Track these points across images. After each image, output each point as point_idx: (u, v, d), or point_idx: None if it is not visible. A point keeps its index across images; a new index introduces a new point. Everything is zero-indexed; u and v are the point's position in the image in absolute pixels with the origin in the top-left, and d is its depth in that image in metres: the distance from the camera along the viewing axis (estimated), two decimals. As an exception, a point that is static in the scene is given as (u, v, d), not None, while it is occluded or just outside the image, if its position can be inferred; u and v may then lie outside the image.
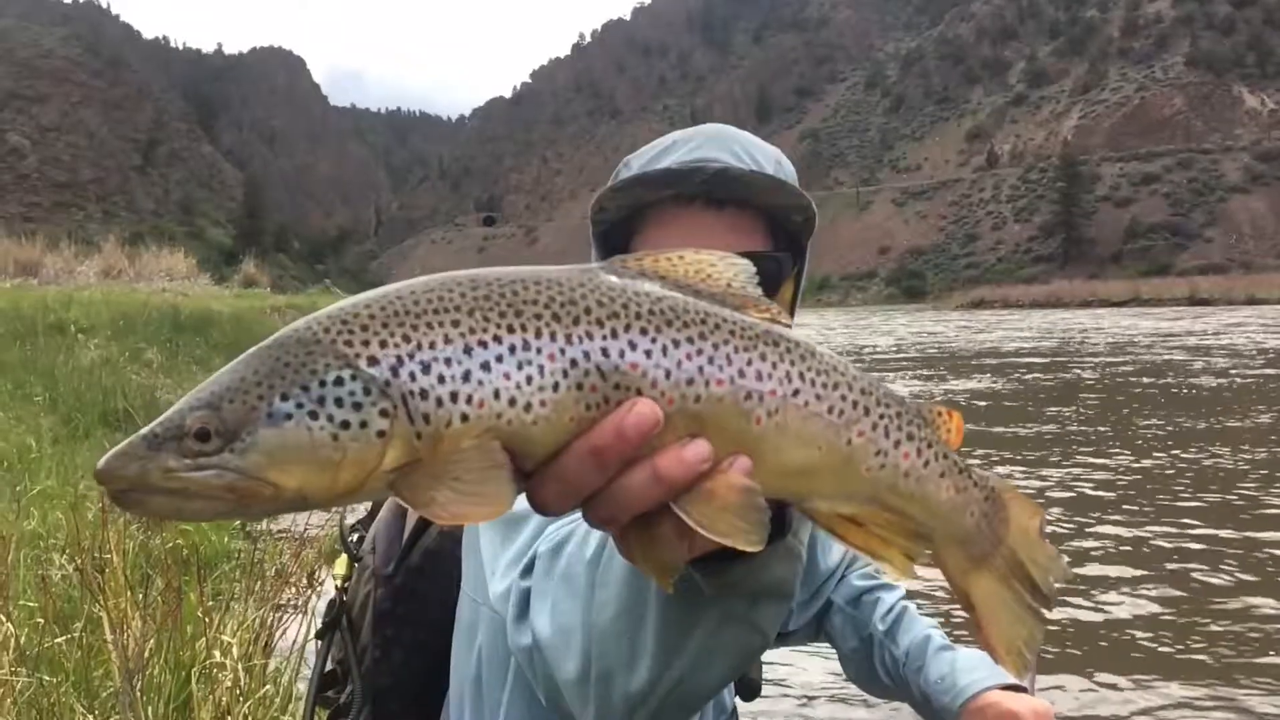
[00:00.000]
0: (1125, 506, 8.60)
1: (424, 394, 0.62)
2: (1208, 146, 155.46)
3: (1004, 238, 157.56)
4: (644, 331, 0.66)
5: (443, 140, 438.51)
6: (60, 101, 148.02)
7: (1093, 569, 6.79)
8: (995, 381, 19.97)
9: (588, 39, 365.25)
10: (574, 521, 0.98)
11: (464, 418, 0.62)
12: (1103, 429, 13.06)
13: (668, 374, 0.66)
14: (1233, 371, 19.97)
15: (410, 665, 1.52)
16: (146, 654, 2.98)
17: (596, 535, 0.91)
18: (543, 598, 0.95)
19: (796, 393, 0.70)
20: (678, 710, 0.88)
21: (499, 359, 0.63)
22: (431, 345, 0.63)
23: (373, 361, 0.62)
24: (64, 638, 3.35)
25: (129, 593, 3.28)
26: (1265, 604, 6.03)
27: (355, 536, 1.66)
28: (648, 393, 0.65)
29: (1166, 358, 24.09)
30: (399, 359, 0.62)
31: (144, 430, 0.63)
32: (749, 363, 0.68)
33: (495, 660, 1.27)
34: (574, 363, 0.64)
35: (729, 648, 0.84)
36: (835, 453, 0.71)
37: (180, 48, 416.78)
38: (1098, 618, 5.88)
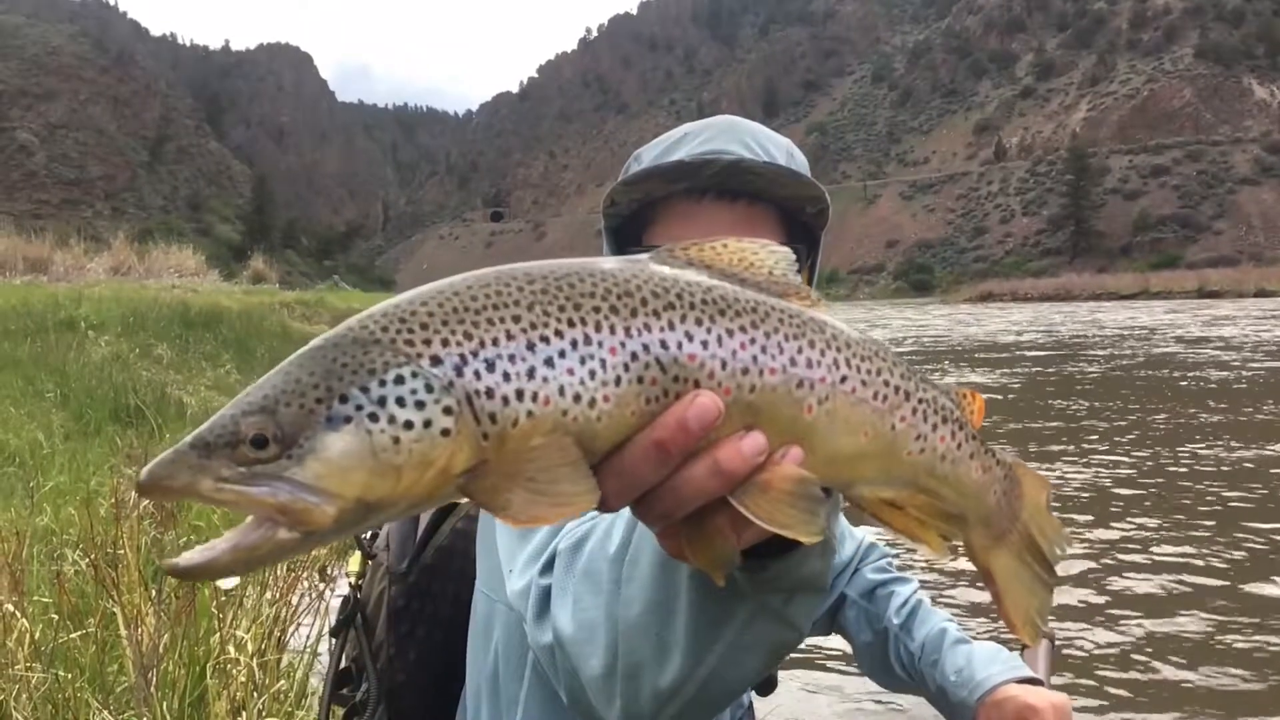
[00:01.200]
0: (1143, 504, 8.56)
1: (489, 392, 0.60)
2: (1217, 138, 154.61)
3: (1012, 231, 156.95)
4: (699, 322, 0.66)
5: (450, 136, 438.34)
6: (68, 98, 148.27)
7: (1112, 568, 6.76)
8: (1004, 375, 19.90)
9: (594, 34, 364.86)
10: (594, 518, 0.98)
11: (530, 415, 0.60)
12: (1119, 424, 13.00)
13: (724, 364, 0.65)
14: (1234, 364, 19.88)
15: (425, 662, 1.52)
16: (161, 649, 2.99)
17: (619, 531, 0.90)
18: (564, 595, 0.94)
19: (844, 379, 0.70)
20: (707, 706, 0.88)
21: (561, 354, 0.62)
22: (494, 341, 0.61)
23: (435, 360, 0.60)
24: (79, 633, 3.35)
25: (143, 588, 3.29)
26: None
27: (368, 534, 1.64)
28: (705, 384, 0.65)
29: (1177, 350, 24.00)
30: (462, 357, 0.60)
31: (190, 437, 0.60)
32: (799, 350, 0.68)
33: (512, 657, 1.27)
34: (634, 355, 0.63)
35: (762, 643, 0.84)
36: (880, 439, 0.72)
37: (188, 44, 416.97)
38: (1116, 616, 5.85)
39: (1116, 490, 8.99)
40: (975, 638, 1.70)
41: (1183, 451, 10.63)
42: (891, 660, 1.75)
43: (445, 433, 0.59)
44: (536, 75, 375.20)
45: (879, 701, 4.78)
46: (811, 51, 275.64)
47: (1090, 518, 7.99)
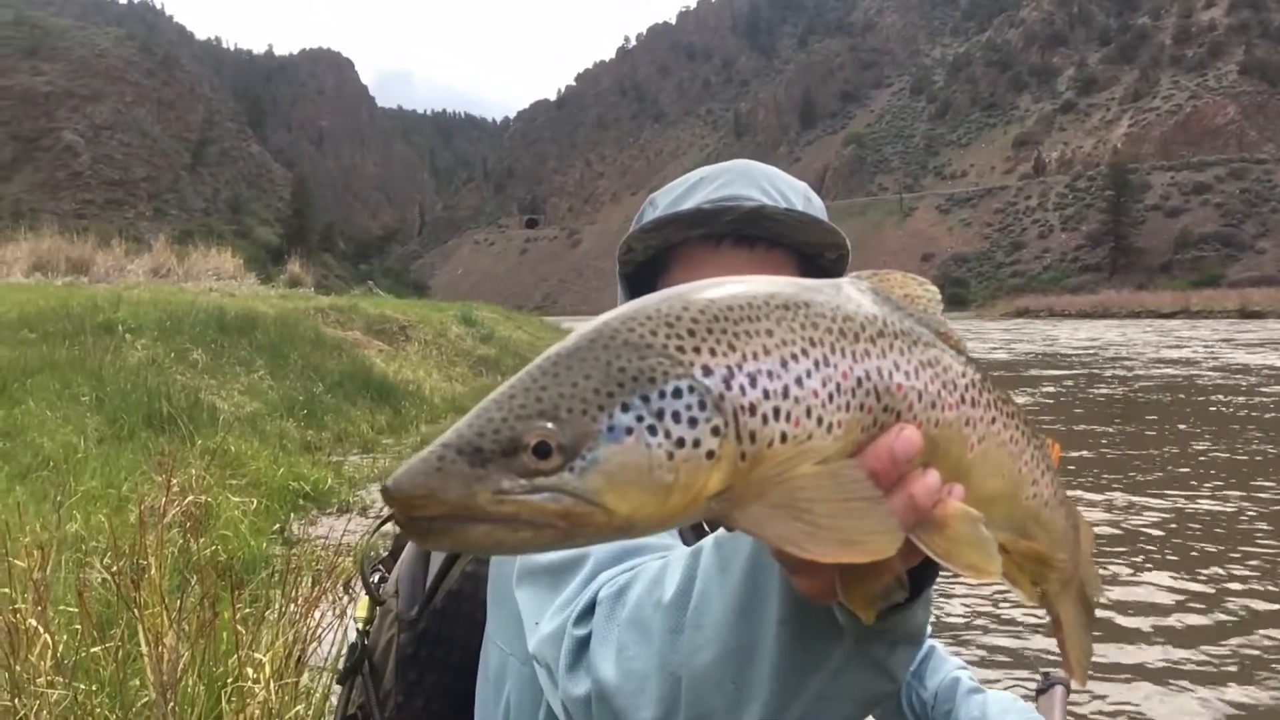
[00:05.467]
0: (1161, 545, 8.36)
1: (752, 409, 0.58)
2: (1261, 156, 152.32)
3: (1050, 246, 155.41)
4: (902, 352, 0.65)
5: (487, 142, 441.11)
6: (114, 100, 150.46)
7: (1125, 614, 6.63)
8: (1036, 394, 19.67)
9: (632, 42, 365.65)
10: (633, 567, 0.96)
11: (783, 438, 0.58)
12: (1153, 453, 12.80)
13: (920, 396, 0.65)
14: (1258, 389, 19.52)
15: (432, 710, 1.50)
16: (181, 668, 2.99)
17: (675, 577, 0.87)
18: (606, 644, 0.91)
19: (993, 420, 0.70)
20: None
21: (808, 374, 0.60)
22: (754, 356, 0.59)
23: (707, 371, 0.58)
24: (100, 647, 3.36)
25: (164, 602, 3.29)
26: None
27: (376, 577, 1.62)
28: (905, 415, 0.64)
29: (1212, 374, 23.61)
30: (730, 370, 0.58)
31: (453, 442, 0.57)
32: (967, 389, 0.69)
33: (524, 710, 1.25)
34: (859, 382, 0.62)
35: (854, 693, 0.80)
36: (1010, 482, 0.73)
37: (232, 49, 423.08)
38: (1129, 665, 5.68)
39: (1135, 528, 8.73)
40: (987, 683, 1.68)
41: (1212, 487, 10.38)
42: (904, 708, 1.72)
43: (711, 454, 0.57)
44: (574, 83, 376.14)
45: None
46: (850, 63, 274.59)
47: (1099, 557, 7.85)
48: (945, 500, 0.63)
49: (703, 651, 0.82)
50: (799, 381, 0.59)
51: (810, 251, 1.35)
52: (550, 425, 0.55)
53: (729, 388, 0.57)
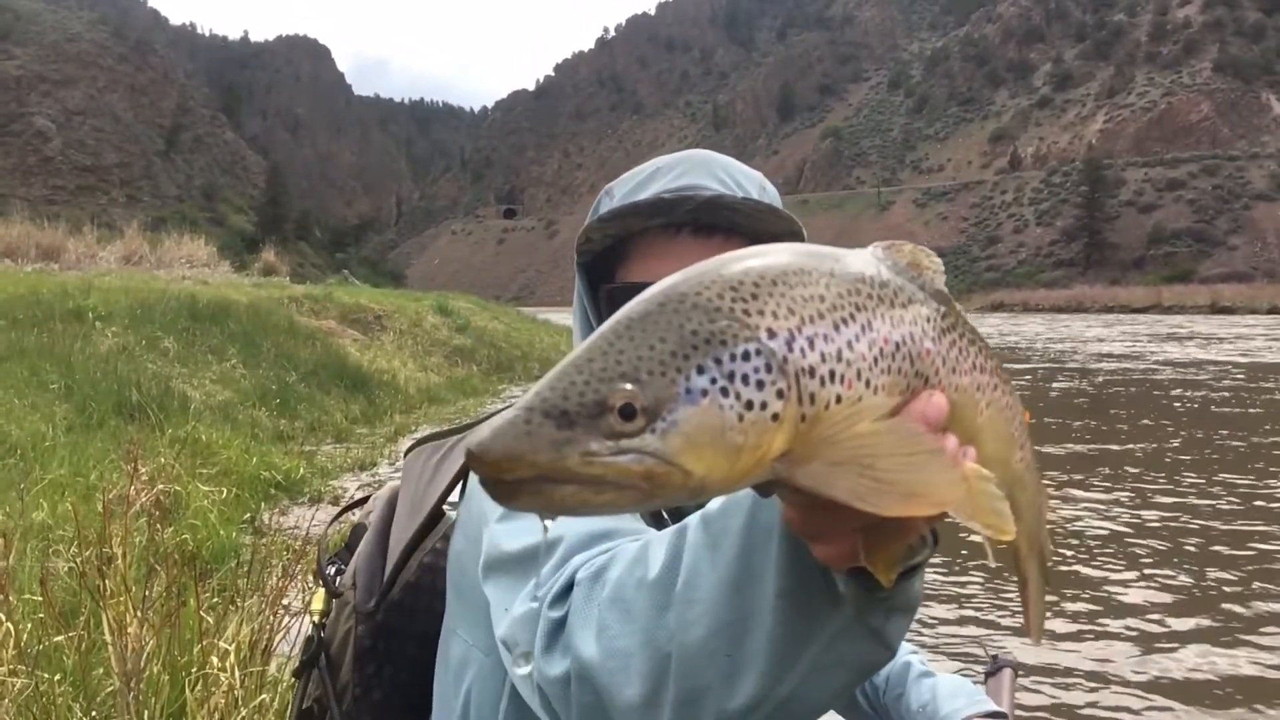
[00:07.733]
0: (1112, 531, 8.40)
1: (812, 371, 0.59)
2: (1234, 153, 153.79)
3: (1025, 241, 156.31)
4: (928, 319, 0.67)
5: (465, 131, 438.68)
6: (86, 85, 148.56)
7: (1074, 598, 6.69)
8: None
9: (611, 33, 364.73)
10: (607, 550, 0.97)
11: (838, 399, 0.60)
12: (1099, 448, 12.90)
13: (944, 362, 0.67)
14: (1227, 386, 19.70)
15: (390, 703, 1.50)
16: (144, 658, 2.97)
17: (658, 557, 0.88)
18: (586, 623, 0.91)
19: (996, 386, 0.73)
20: None
21: (857, 338, 0.61)
22: (811, 320, 0.60)
23: (771, 334, 0.59)
24: (63, 636, 3.34)
25: (128, 593, 3.26)
26: None
27: (333, 569, 1.60)
28: (931, 381, 0.66)
29: (1173, 371, 23.81)
30: (791, 332, 0.59)
31: (537, 406, 0.57)
32: (975, 355, 0.71)
33: (486, 701, 1.26)
34: (898, 346, 0.64)
35: (849, 661, 0.82)
36: (1006, 445, 0.75)
37: (206, 34, 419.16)
38: (1079, 648, 5.73)
39: (1086, 518, 8.78)
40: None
41: (1167, 479, 10.47)
42: (855, 692, 1.73)
43: (776, 416, 0.58)
44: (553, 73, 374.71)
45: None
46: (828, 56, 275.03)
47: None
48: (963, 463, 0.65)
49: (695, 627, 0.82)
50: (850, 345, 0.61)
51: (766, 240, 1.32)
52: (632, 387, 0.56)
53: (791, 350, 0.59)
